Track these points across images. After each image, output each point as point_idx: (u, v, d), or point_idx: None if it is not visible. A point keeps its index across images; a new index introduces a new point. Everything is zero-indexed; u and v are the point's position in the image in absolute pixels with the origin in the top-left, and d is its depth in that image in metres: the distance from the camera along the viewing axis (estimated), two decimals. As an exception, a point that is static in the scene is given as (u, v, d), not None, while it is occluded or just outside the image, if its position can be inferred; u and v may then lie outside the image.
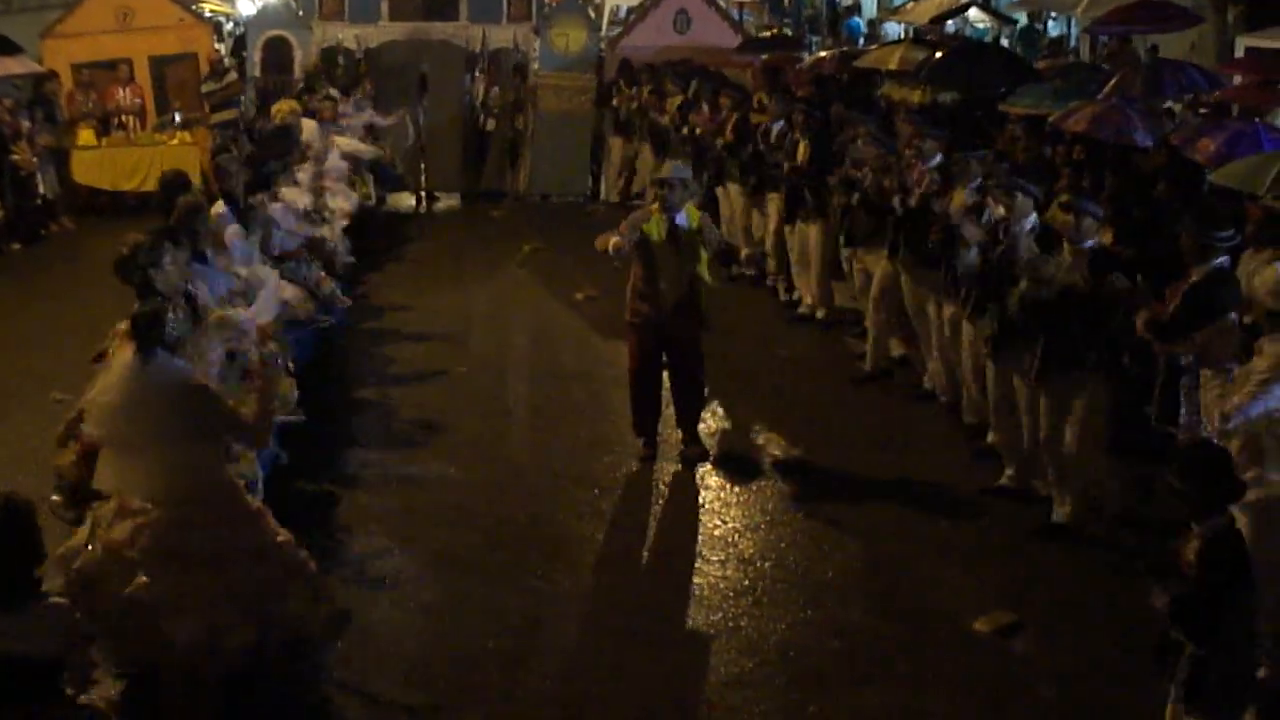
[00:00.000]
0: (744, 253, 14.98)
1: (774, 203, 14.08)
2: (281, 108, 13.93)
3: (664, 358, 10.01)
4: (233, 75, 18.45)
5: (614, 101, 18.69)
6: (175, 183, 9.65)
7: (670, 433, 10.34)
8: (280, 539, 6.54)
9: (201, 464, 6.34)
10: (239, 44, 21.05)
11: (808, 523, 9.20)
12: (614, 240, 9.72)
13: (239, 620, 6.19)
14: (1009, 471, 9.38)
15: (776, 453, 10.26)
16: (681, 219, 9.70)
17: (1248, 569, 5.57)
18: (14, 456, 9.30)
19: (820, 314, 13.39)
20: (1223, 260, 7.66)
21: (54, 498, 7.24)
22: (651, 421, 10.14)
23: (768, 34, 23.75)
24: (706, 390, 10.52)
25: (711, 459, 10.15)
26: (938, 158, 10.95)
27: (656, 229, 9.67)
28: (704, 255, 9.76)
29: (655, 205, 9.85)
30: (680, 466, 10.02)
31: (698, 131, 15.62)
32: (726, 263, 10.22)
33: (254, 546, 6.39)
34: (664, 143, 16.36)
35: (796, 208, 13.06)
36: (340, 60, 18.74)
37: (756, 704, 7.00)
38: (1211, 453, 5.92)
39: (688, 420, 10.13)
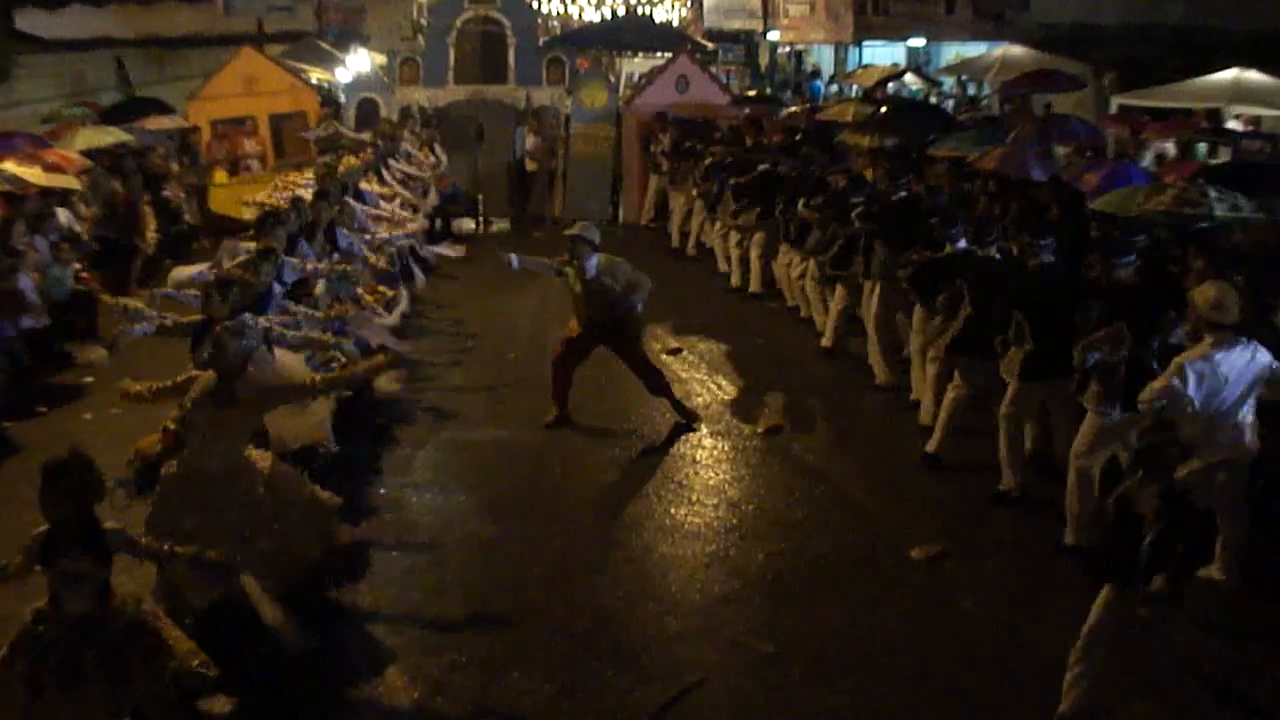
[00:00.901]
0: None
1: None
2: (349, 163, 13.82)
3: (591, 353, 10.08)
4: (333, 125, 18.48)
5: (650, 147, 18.65)
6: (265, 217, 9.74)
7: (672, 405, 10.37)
8: (304, 493, 6.65)
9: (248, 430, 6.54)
10: (329, 100, 21.05)
11: (783, 474, 9.23)
12: (514, 256, 9.94)
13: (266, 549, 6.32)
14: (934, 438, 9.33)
15: (759, 420, 10.25)
16: (591, 265, 9.65)
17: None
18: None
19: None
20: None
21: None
22: (564, 395, 10.12)
23: (752, 93, 23.69)
24: (706, 369, 10.81)
25: (707, 426, 10.14)
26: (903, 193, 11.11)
27: (573, 274, 9.70)
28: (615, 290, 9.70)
29: (566, 257, 9.78)
30: (679, 431, 10.02)
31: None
32: (631, 306, 9.90)
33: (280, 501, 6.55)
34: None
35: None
36: (416, 115, 18.84)
37: (742, 617, 7.07)
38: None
39: (664, 398, 10.11)
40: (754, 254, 14.36)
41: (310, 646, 6.08)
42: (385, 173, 14.43)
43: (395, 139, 16.24)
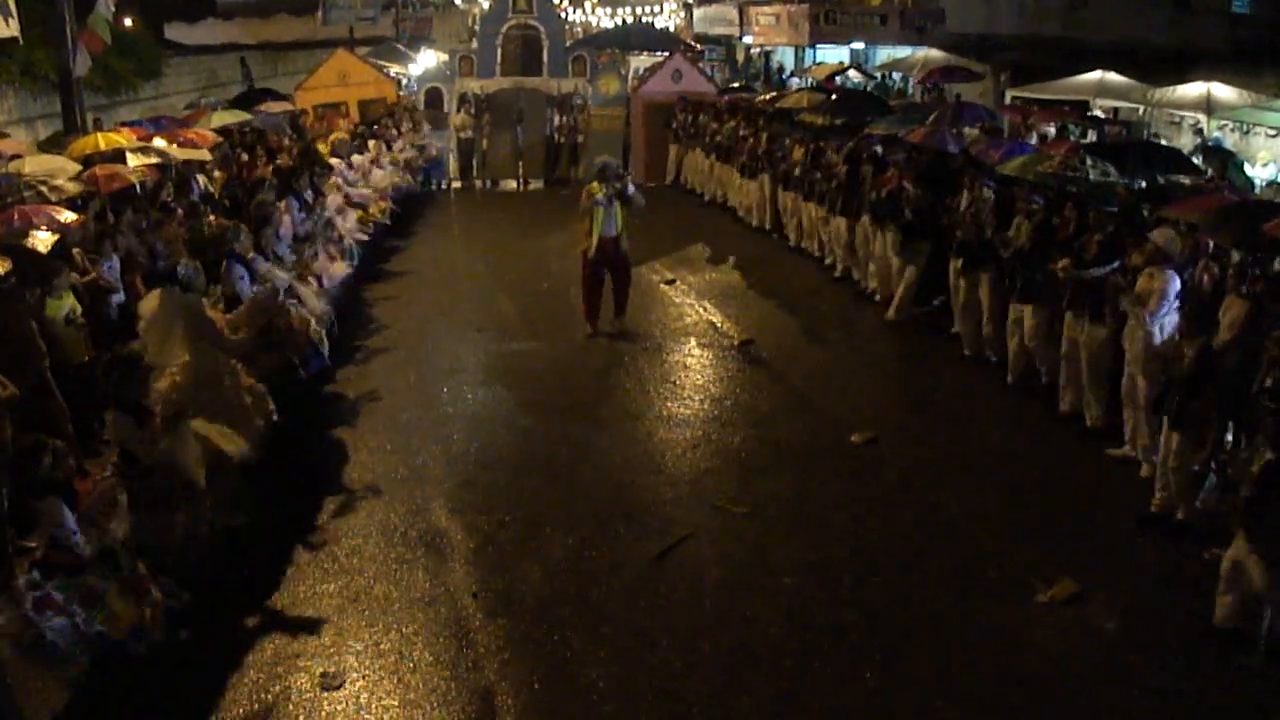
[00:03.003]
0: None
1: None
2: (338, 135, 13.27)
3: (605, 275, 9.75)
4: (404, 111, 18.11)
5: (672, 124, 18.17)
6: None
7: (672, 323, 10.13)
8: (244, 384, 6.24)
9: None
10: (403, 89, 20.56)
11: (753, 375, 9.01)
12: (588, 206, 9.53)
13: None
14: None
15: (734, 335, 9.99)
16: (630, 185, 9.50)
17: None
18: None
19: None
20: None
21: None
22: (596, 314, 9.87)
23: (735, 85, 23.13)
24: (694, 295, 10.47)
25: (694, 339, 9.87)
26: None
27: (602, 192, 9.42)
28: (624, 209, 9.52)
29: (596, 183, 9.51)
30: (674, 343, 9.75)
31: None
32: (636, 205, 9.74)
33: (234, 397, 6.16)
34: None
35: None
36: (470, 99, 18.46)
37: (721, 483, 6.92)
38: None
39: (620, 307, 9.90)
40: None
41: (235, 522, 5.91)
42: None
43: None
